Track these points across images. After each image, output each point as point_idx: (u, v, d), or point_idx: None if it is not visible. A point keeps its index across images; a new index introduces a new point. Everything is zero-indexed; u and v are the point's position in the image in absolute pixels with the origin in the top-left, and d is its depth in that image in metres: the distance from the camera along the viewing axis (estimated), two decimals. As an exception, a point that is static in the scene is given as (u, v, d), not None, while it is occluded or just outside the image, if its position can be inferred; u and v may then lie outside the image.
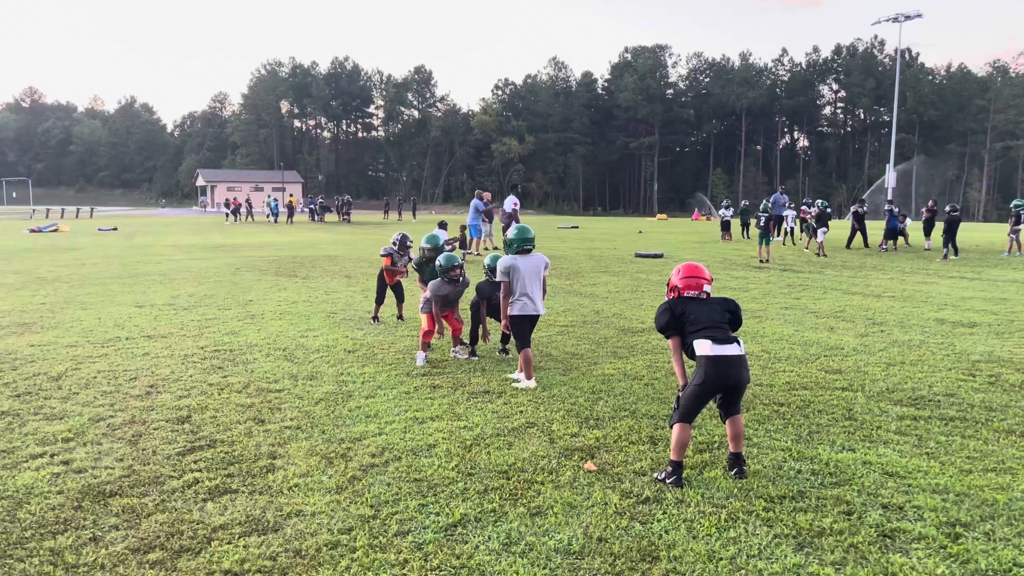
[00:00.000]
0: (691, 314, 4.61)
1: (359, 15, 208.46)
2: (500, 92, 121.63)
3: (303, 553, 3.72)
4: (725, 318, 4.65)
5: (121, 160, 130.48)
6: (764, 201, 26.01)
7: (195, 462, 4.97)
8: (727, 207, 31.19)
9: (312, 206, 51.82)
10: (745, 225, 31.54)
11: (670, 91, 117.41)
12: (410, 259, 10.14)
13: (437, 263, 7.87)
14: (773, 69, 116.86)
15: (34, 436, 5.51)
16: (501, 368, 7.53)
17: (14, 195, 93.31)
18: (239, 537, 3.89)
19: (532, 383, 6.73)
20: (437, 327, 8.03)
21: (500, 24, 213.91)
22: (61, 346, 8.65)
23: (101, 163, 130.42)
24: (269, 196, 54.82)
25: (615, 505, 4.18)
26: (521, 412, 5.99)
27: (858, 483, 4.52)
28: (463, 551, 3.69)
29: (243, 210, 50.13)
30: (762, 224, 20.71)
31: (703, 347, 4.46)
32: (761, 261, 19.51)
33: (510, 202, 17.98)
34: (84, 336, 9.28)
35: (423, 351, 7.75)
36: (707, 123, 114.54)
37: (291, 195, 53.53)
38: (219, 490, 4.51)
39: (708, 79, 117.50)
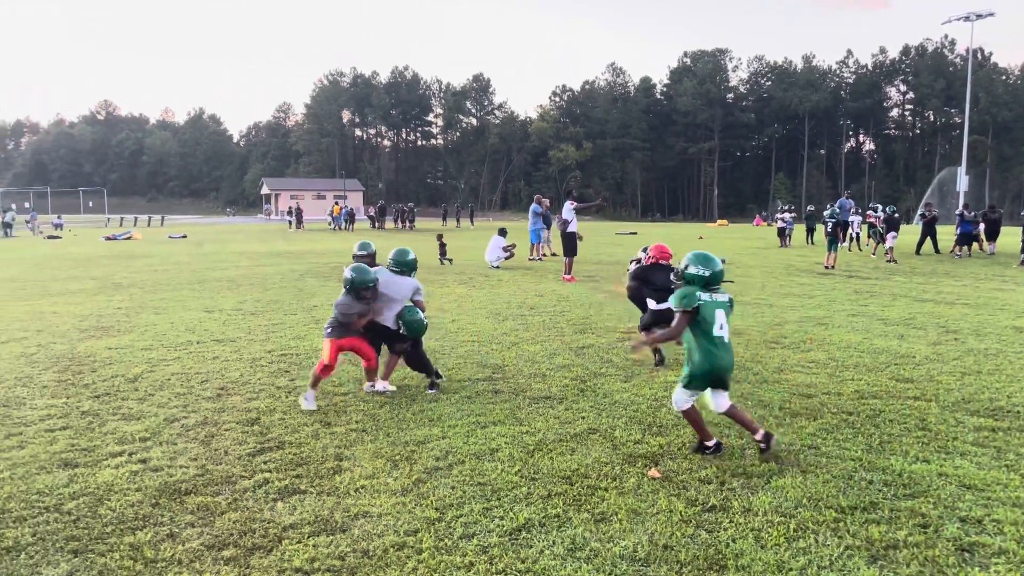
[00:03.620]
0: (652, 278, 7.75)
1: (419, 25, 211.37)
2: (558, 99, 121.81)
3: (370, 554, 3.78)
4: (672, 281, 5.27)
5: (190, 170, 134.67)
6: (830, 206, 25.42)
7: (265, 463, 5.10)
8: (785, 211, 30.54)
9: (371, 213, 52.74)
10: (810, 231, 30.85)
11: (730, 95, 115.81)
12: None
13: (347, 276, 6.67)
14: (837, 71, 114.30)
15: (113, 435, 5.73)
16: (561, 374, 7.53)
17: (90, 204, 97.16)
18: (308, 536, 3.98)
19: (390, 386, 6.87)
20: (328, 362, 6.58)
21: (558, 31, 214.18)
22: (137, 349, 8.97)
23: (171, 173, 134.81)
24: (342, 204, 55.97)
25: (680, 513, 4.14)
26: (583, 418, 5.98)
27: (934, 495, 4.38)
28: (528, 555, 3.71)
29: (293, 218, 51.14)
30: (829, 230, 20.23)
31: (651, 303, 7.65)
32: (826, 267, 19.06)
33: (568, 208, 17.97)
34: (158, 340, 9.60)
35: (313, 389, 6.45)
36: (768, 127, 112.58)
37: (336, 204, 54.90)
38: (288, 490, 4.61)
39: (770, 82, 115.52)
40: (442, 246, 20.83)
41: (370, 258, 7.62)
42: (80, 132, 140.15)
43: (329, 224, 51.52)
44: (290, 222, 51.97)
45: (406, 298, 6.88)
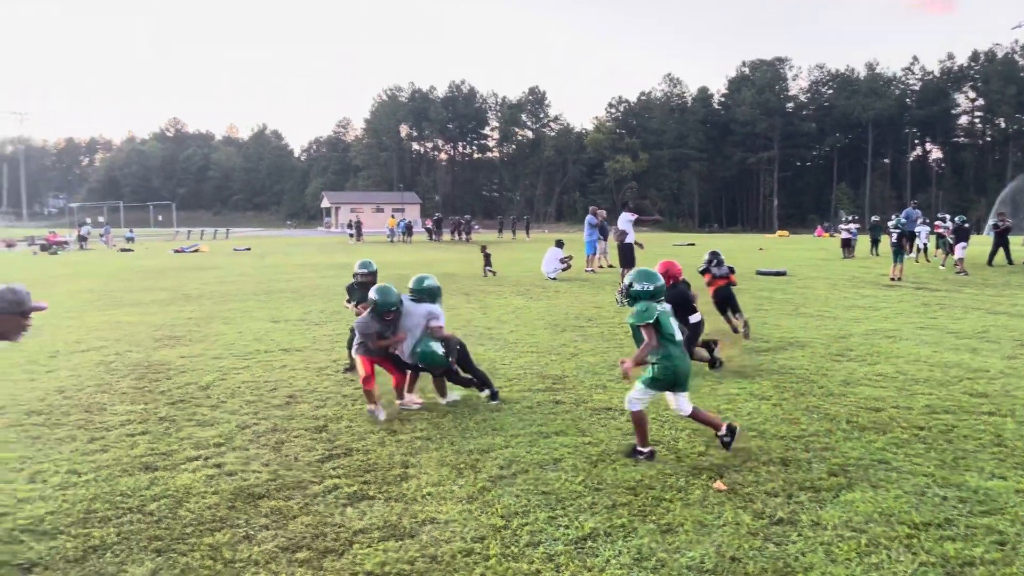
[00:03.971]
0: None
1: (477, 40, 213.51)
2: (613, 110, 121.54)
3: (438, 559, 3.85)
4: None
5: (253, 184, 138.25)
6: (895, 216, 24.77)
7: (333, 469, 5.24)
8: (849, 221, 29.84)
9: (428, 226, 53.46)
10: (875, 242, 30.08)
11: (790, 104, 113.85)
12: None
13: (372, 296, 6.67)
14: (902, 78, 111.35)
15: (189, 440, 5.95)
16: (622, 385, 7.52)
17: (160, 218, 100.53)
18: (378, 541, 4.08)
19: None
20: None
21: (614, 44, 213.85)
22: (208, 358, 9.28)
23: (235, 187, 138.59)
24: (397, 217, 57.14)
25: (747, 525, 4.11)
26: (645, 429, 5.97)
27: (1011, 512, 4.26)
28: (594, 564, 3.73)
29: (354, 230, 52.16)
30: (894, 240, 19.71)
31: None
32: (892, 279, 18.57)
33: (624, 219, 17.91)
34: (227, 349, 9.91)
35: (373, 404, 6.49)
36: (830, 136, 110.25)
37: (391, 217, 56.25)
38: (357, 496, 4.73)
39: (831, 91, 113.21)
40: (486, 257, 20.97)
41: (372, 276, 7.81)
42: (150, 148, 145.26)
43: (387, 237, 52.31)
44: (350, 235, 52.95)
45: (419, 326, 6.70)
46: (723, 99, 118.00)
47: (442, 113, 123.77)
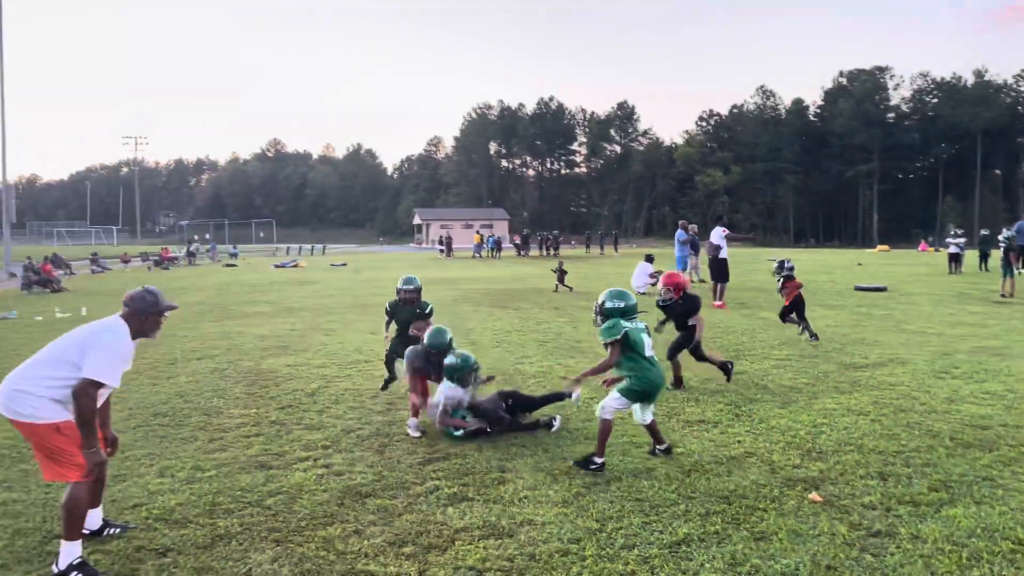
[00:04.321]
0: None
1: (565, 57, 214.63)
2: (704, 123, 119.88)
3: (537, 558, 4.03)
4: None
5: (348, 201, 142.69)
6: (1005, 230, 23.57)
7: (434, 471, 5.49)
8: (957, 235, 28.52)
9: (516, 242, 54.04)
10: (984, 256, 28.66)
11: (891, 115, 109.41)
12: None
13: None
14: (1014, 85, 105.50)
15: (299, 442, 6.33)
16: (714, 399, 7.53)
17: (261, 235, 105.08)
18: (479, 539, 4.28)
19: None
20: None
21: (704, 57, 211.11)
22: (312, 367, 9.76)
23: (331, 205, 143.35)
24: (483, 233, 58.20)
25: (844, 536, 4.12)
26: (739, 442, 5.99)
27: None
28: (688, 567, 3.83)
29: (444, 246, 53.23)
30: (1004, 255, 18.79)
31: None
32: (1003, 295, 17.72)
33: (717, 233, 17.72)
34: (330, 358, 10.39)
35: (415, 417, 6.61)
36: (935, 147, 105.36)
37: (477, 233, 57.32)
38: (457, 497, 4.96)
39: (936, 100, 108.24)
40: (562, 273, 21.14)
41: (417, 293, 7.79)
42: (252, 168, 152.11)
43: (473, 253, 53.11)
44: (441, 250, 54.05)
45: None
46: (819, 110, 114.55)
47: (530, 130, 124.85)
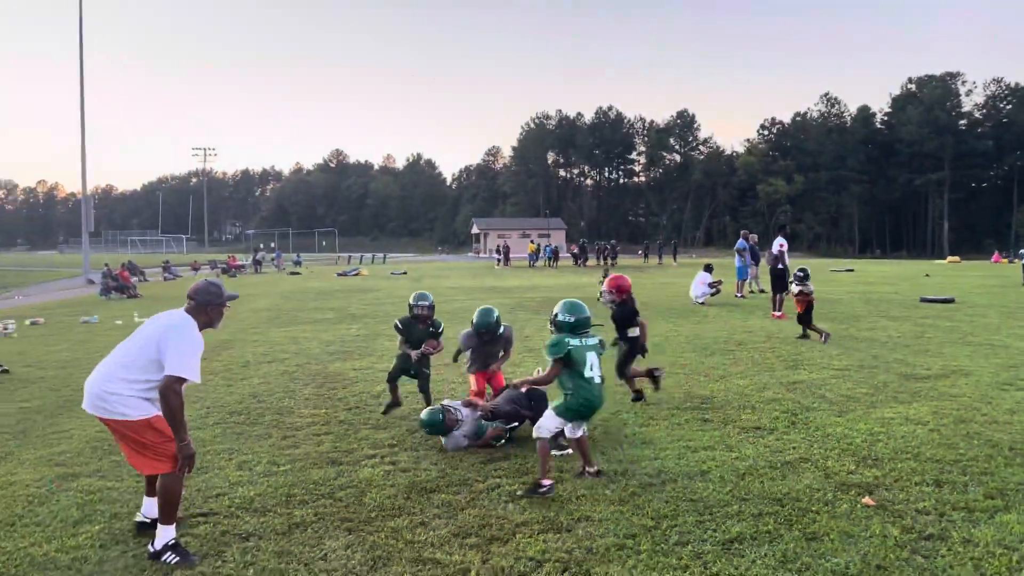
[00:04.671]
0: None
1: (624, 65, 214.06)
2: (766, 132, 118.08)
3: (594, 551, 4.23)
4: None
5: (407, 211, 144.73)
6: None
7: (494, 470, 5.74)
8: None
9: (574, 251, 54.17)
10: (1059, 268, 27.63)
11: (963, 121, 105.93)
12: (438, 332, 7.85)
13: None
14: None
15: (366, 441, 6.65)
16: (771, 407, 7.59)
17: (323, 244, 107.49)
18: (538, 533, 4.50)
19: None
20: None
21: (766, 64, 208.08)
22: (376, 370, 10.12)
23: (391, 214, 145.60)
24: (537, 243, 58.63)
25: (895, 538, 4.21)
26: (794, 448, 6.08)
27: None
28: (740, 563, 3.98)
29: (501, 255, 53.65)
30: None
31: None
32: (1078, 308, 17.14)
33: (777, 244, 17.58)
34: (393, 363, 10.72)
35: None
36: (1009, 155, 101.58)
37: (531, 243, 57.97)
38: (517, 494, 5.18)
39: (1011, 106, 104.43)
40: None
41: (431, 310, 7.53)
42: (315, 179, 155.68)
43: (528, 262, 53.38)
44: (497, 260, 54.49)
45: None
46: (886, 118, 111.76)
47: (588, 139, 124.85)
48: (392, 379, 7.67)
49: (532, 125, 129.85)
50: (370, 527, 4.69)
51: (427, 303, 7.55)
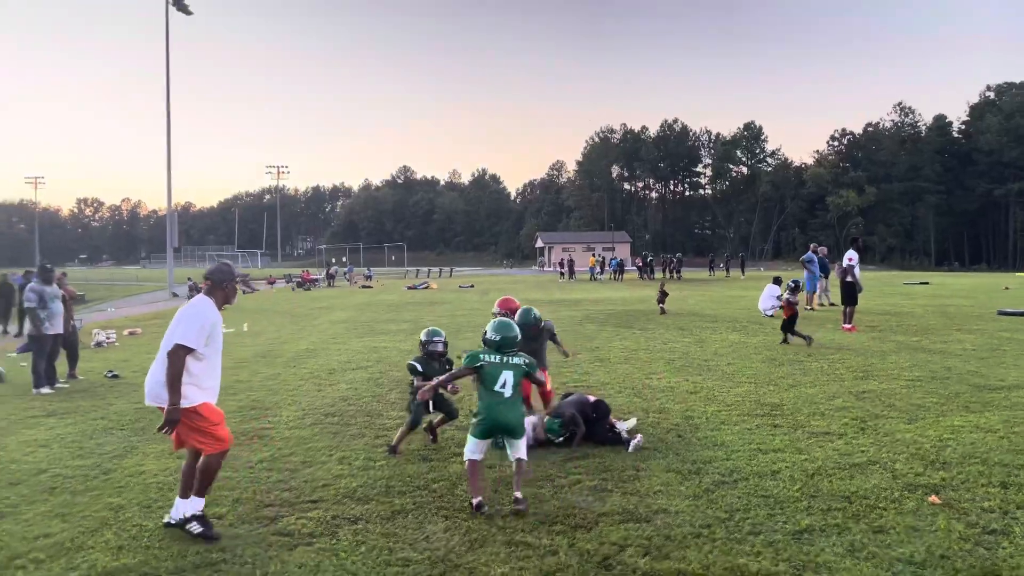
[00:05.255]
0: None
1: (689, 78, 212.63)
2: (836, 143, 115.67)
3: (672, 538, 4.60)
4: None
5: (473, 226, 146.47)
6: None
7: (575, 467, 6.15)
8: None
9: (639, 264, 54.21)
10: None
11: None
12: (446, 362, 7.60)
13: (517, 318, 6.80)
14: None
15: (452, 440, 7.16)
16: (840, 414, 7.80)
17: (392, 258, 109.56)
18: (619, 523, 4.90)
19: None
20: None
21: (836, 75, 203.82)
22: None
23: (457, 229, 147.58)
24: (598, 257, 58.86)
25: (959, 532, 4.47)
26: (863, 452, 6.32)
27: None
28: (810, 551, 4.30)
29: (565, 269, 53.98)
30: None
31: None
32: None
33: (847, 257, 17.51)
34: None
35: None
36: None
37: (592, 256, 58.17)
38: (598, 489, 5.59)
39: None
40: (663, 295, 21.35)
41: (445, 347, 7.42)
42: (383, 195, 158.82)
43: (590, 276, 53.57)
44: (561, 273, 54.88)
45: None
46: (963, 127, 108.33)
47: (653, 152, 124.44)
48: (416, 424, 7.06)
49: (596, 139, 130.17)
50: (464, 515, 5.15)
51: (440, 339, 7.42)
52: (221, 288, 5.22)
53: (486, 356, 5.60)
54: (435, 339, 7.41)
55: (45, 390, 10.61)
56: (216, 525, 5.02)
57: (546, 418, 7.01)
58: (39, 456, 7.04)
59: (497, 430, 5.46)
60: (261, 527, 5.00)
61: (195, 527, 4.82)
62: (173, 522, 5.00)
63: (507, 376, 5.50)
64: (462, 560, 4.38)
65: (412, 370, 7.32)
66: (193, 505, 4.91)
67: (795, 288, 14.12)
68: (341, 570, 4.29)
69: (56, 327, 11.13)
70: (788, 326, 13.66)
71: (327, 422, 8.12)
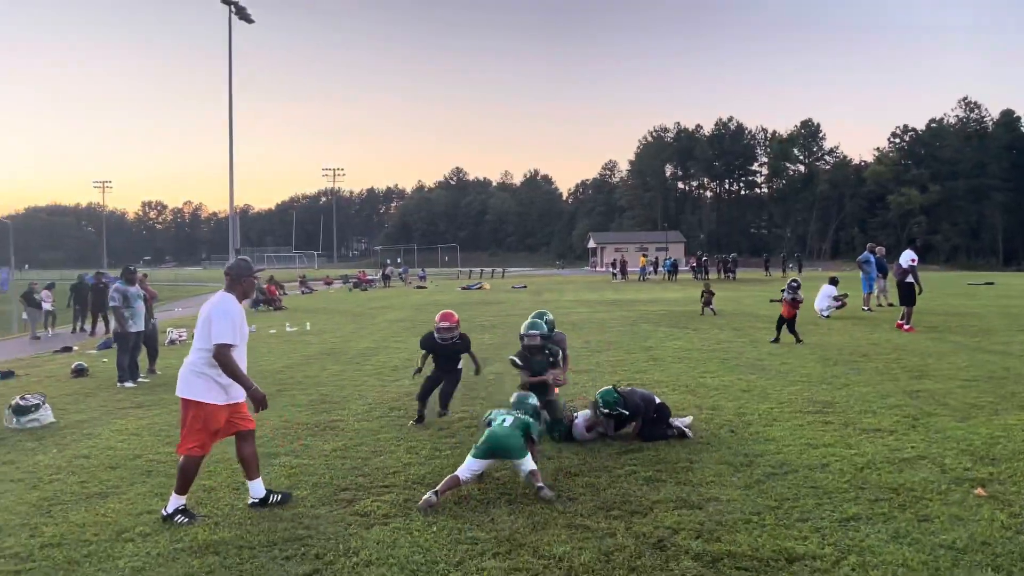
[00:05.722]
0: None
1: (745, 75, 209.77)
2: (898, 140, 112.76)
3: (723, 523, 4.88)
4: None
5: (525, 226, 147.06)
6: None
7: (631, 459, 6.46)
8: None
9: (693, 264, 53.92)
10: None
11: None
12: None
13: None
14: None
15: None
16: (892, 412, 7.93)
17: (446, 259, 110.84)
18: (673, 509, 5.19)
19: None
20: None
21: (896, 70, 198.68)
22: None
23: (509, 230, 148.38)
24: (648, 257, 58.78)
25: (1002, 521, 4.65)
26: (913, 447, 6.48)
27: None
28: (856, 536, 4.54)
29: (618, 269, 53.92)
30: None
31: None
32: None
33: (906, 257, 17.34)
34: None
35: None
36: None
37: (642, 256, 58.11)
38: (652, 479, 5.89)
39: None
40: (710, 294, 21.26)
41: (542, 339, 7.51)
42: (436, 196, 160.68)
43: (639, 276, 53.46)
44: (613, 274, 54.91)
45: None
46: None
47: (708, 151, 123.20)
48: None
49: (650, 138, 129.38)
50: (527, 499, 5.50)
51: (537, 332, 7.44)
52: (240, 283, 5.61)
53: (497, 415, 6.11)
54: (531, 332, 7.41)
55: (129, 384, 11.33)
56: (298, 505, 5.48)
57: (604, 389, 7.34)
58: (132, 443, 7.64)
59: (496, 452, 5.76)
60: (340, 508, 5.44)
61: (181, 519, 5.24)
62: (257, 500, 5.50)
63: (509, 419, 6.02)
64: (526, 540, 4.73)
65: (513, 364, 7.71)
66: (175, 502, 5.32)
67: (796, 287, 14.44)
68: (415, 546, 4.68)
69: (138, 325, 11.87)
70: (784, 323, 14.08)
71: (392, 415, 8.58)
